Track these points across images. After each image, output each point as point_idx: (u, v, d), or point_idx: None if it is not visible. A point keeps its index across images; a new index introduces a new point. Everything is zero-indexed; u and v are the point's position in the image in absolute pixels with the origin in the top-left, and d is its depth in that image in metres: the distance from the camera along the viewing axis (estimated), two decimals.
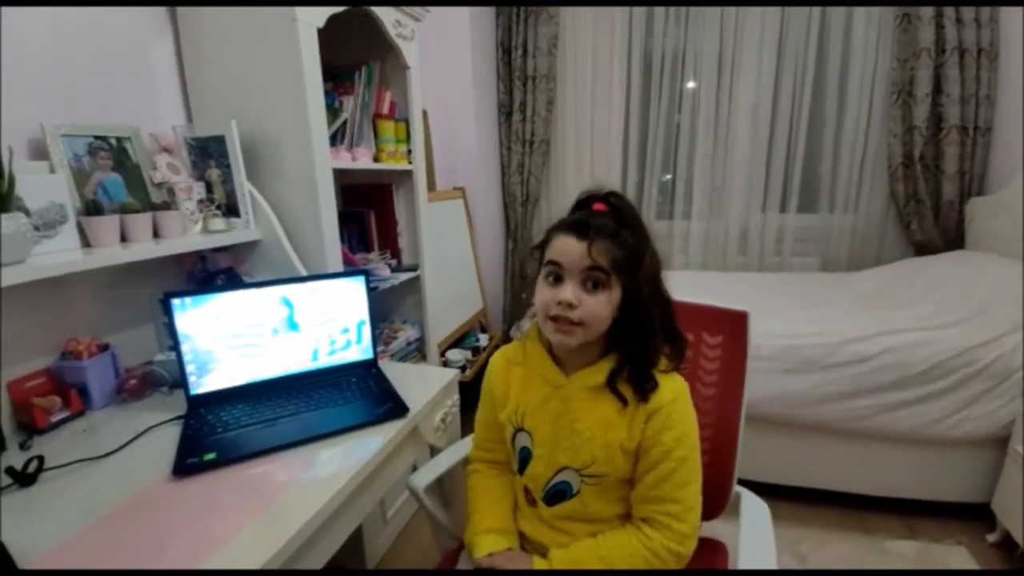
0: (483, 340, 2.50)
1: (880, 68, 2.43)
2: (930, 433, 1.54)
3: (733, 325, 0.98)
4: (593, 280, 0.73)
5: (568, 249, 0.73)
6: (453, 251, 2.43)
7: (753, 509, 0.93)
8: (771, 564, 0.79)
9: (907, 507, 1.68)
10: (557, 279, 0.75)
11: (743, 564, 0.79)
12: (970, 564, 1.47)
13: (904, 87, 2.35)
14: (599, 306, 0.73)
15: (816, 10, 2.46)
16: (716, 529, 0.98)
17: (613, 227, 0.73)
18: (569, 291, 0.72)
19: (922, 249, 2.45)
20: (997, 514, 1.52)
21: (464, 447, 1.03)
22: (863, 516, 1.69)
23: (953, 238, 2.39)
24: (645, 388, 0.75)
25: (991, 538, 1.54)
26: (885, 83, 2.42)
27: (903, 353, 1.54)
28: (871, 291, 2.09)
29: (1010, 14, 2.19)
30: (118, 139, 1.10)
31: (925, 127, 2.32)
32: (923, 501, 1.65)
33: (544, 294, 0.75)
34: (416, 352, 1.82)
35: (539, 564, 0.78)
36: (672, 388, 0.77)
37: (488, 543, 0.81)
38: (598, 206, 0.77)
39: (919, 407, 1.54)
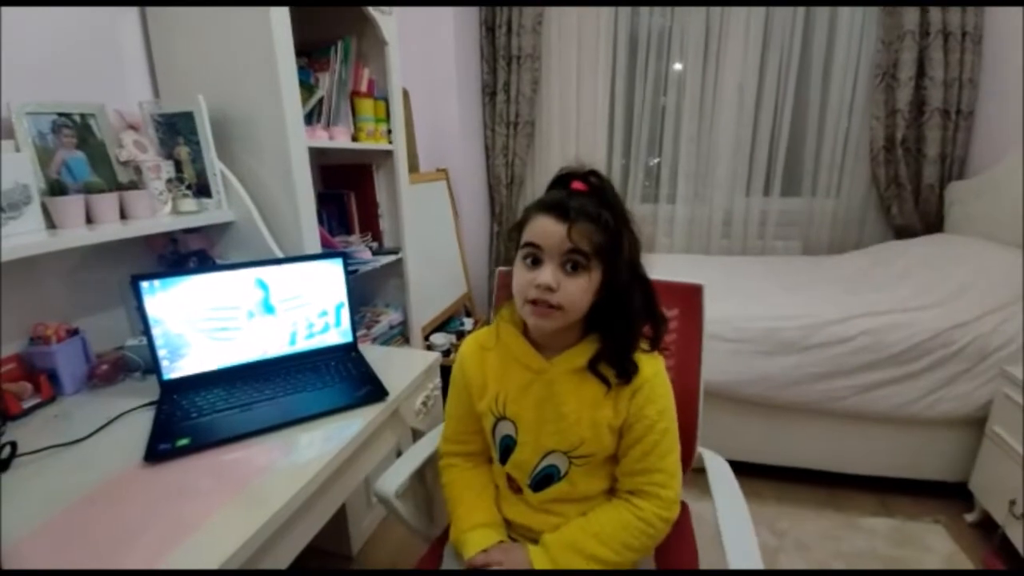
0: (468, 324, 2.49)
1: (865, 51, 2.42)
2: (907, 413, 1.57)
3: (688, 298, 1.04)
4: (573, 263, 0.71)
5: (548, 231, 0.70)
6: (436, 234, 2.40)
7: (715, 465, 0.99)
8: (742, 507, 0.85)
9: (885, 485, 1.71)
10: (536, 261, 0.73)
11: (720, 511, 0.85)
12: (948, 542, 1.51)
13: (888, 70, 2.35)
14: (578, 290, 0.71)
15: None
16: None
17: (594, 208, 0.70)
18: (548, 274, 0.70)
19: (902, 233, 2.48)
20: (975, 494, 1.56)
21: (429, 445, 1.01)
22: (842, 494, 1.73)
23: (933, 222, 2.42)
24: (628, 371, 0.75)
25: (969, 518, 1.58)
26: (869, 66, 2.42)
27: (880, 334, 1.56)
28: (851, 274, 2.11)
29: None
30: (82, 116, 1.06)
31: (908, 110, 2.33)
32: (901, 480, 1.69)
33: (522, 276, 0.74)
34: (399, 336, 1.80)
35: (534, 552, 0.77)
36: (651, 363, 0.77)
37: (478, 539, 0.79)
38: (577, 185, 0.74)
39: (896, 387, 1.57)
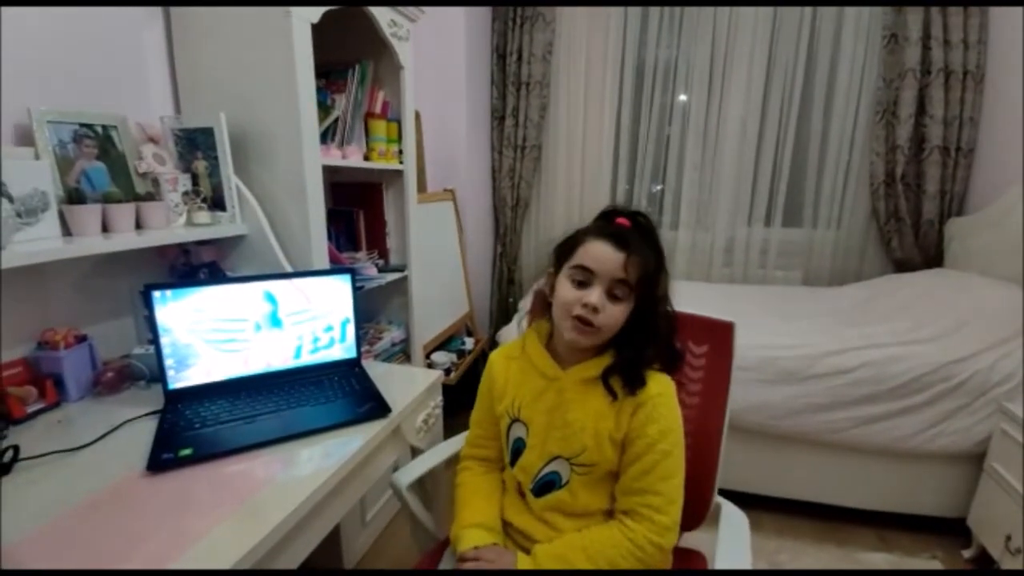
0: (469, 343, 2.50)
1: (866, 87, 2.48)
2: (906, 447, 1.57)
3: (719, 335, 0.99)
4: (616, 292, 0.77)
5: (604, 256, 0.77)
6: (441, 253, 2.42)
7: (732, 520, 0.92)
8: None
9: (883, 520, 1.70)
10: (582, 283, 0.78)
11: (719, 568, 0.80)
12: None
13: (889, 107, 2.40)
14: (618, 315, 0.78)
15: (806, 27, 2.50)
16: (694, 540, 0.99)
17: (644, 246, 0.77)
18: (596, 296, 0.76)
19: (902, 266, 2.50)
20: (973, 530, 1.54)
21: (448, 449, 1.05)
22: (840, 528, 1.71)
23: (932, 256, 2.44)
24: (634, 384, 0.79)
25: (967, 554, 1.57)
26: (870, 102, 2.47)
27: (880, 367, 1.57)
28: (851, 305, 2.12)
29: (1001, 36, 2.22)
30: (104, 127, 1.09)
31: (908, 147, 2.37)
32: (899, 514, 1.67)
33: (570, 294, 0.79)
34: (401, 353, 1.81)
35: (522, 560, 0.79)
36: (659, 383, 0.80)
37: (474, 537, 0.83)
38: (622, 221, 0.81)
39: (895, 421, 1.57)
